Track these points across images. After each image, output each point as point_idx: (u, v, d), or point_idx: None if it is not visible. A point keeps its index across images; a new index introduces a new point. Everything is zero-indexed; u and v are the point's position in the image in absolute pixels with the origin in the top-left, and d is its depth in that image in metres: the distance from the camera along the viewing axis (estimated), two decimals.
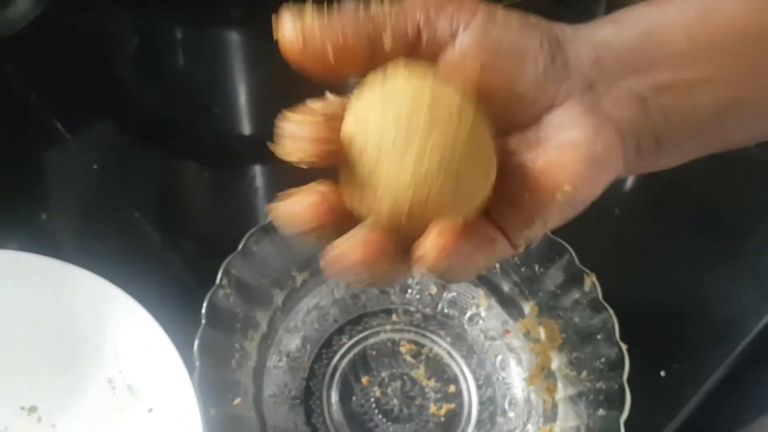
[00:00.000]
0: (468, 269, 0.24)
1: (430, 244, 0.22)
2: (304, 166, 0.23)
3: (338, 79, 0.24)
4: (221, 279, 0.41)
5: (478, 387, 0.45)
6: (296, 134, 0.23)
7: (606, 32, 0.26)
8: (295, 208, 0.23)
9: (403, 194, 0.23)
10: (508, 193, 0.25)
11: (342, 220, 0.23)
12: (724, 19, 0.26)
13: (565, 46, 0.25)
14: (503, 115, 0.25)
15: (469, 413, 0.44)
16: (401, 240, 0.23)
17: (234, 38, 0.68)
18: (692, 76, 0.25)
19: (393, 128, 0.23)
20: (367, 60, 0.24)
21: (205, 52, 0.65)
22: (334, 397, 0.45)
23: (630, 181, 0.58)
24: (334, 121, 0.23)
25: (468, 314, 0.48)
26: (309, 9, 0.24)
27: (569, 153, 0.24)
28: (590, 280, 0.43)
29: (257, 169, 0.58)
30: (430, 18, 0.24)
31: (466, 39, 0.24)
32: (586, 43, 0.25)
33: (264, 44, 0.69)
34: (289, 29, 0.23)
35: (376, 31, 0.23)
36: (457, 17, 0.24)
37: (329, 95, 0.24)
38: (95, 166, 0.55)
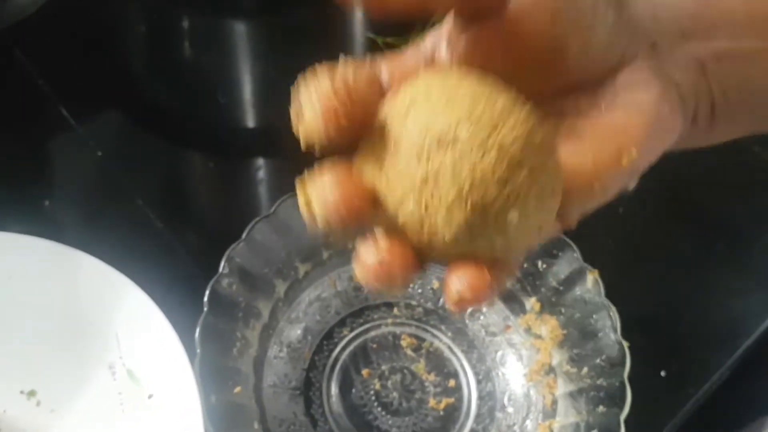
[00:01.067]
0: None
1: (466, 284, 0.20)
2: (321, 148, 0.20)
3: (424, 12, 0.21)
4: (224, 267, 0.41)
5: (478, 382, 0.45)
6: (312, 98, 0.19)
7: None
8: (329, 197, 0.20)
9: (451, 217, 0.19)
10: (568, 160, 0.22)
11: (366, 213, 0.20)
12: None
13: (627, 2, 0.24)
14: (571, 73, 0.23)
15: (468, 408, 0.44)
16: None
17: (242, 29, 0.68)
18: (750, 46, 0.25)
19: (463, 128, 0.19)
20: None
21: (213, 42, 0.65)
22: (334, 388, 0.45)
23: (633, 182, 0.58)
24: (367, 93, 0.20)
25: (469, 309, 0.48)
26: None
27: (636, 115, 0.23)
28: (593, 277, 0.42)
29: (262, 160, 0.58)
30: None
31: None
32: (645, 2, 0.25)
33: (272, 36, 0.70)
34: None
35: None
36: None
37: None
38: (100, 153, 0.55)
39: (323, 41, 0.64)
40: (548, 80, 0.23)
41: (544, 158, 0.20)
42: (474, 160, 0.19)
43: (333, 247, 0.47)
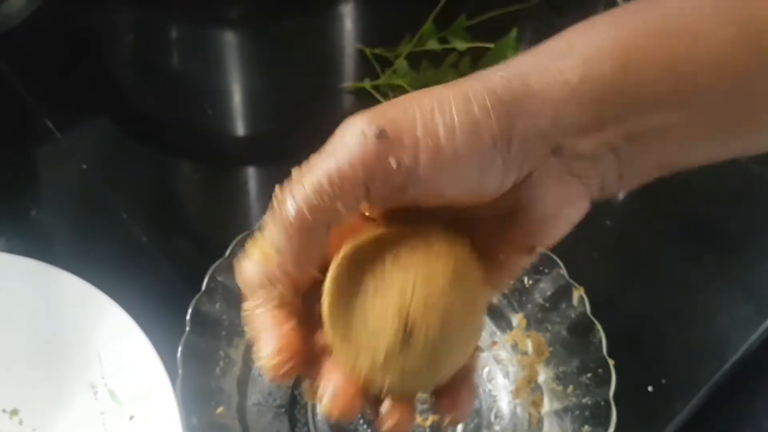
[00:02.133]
0: None
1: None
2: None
3: None
4: (207, 285, 0.41)
5: None
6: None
7: (570, 77, 0.23)
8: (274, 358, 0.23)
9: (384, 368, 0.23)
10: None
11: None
12: (705, 52, 0.24)
13: (516, 120, 0.23)
14: (477, 207, 0.25)
15: (455, 425, 0.44)
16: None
17: (230, 39, 0.68)
18: (667, 120, 0.24)
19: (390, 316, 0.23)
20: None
21: (200, 52, 0.65)
22: (320, 406, 0.44)
23: (621, 194, 0.58)
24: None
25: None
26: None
27: (539, 228, 0.25)
28: (579, 294, 0.42)
29: (249, 171, 0.58)
30: (375, 173, 0.22)
31: (421, 181, 0.22)
32: (545, 103, 0.23)
33: (260, 46, 0.70)
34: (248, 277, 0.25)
35: (330, 216, 0.22)
36: (402, 162, 0.22)
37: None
38: (85, 166, 0.54)
39: (311, 51, 0.64)
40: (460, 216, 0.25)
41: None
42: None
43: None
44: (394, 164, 0.22)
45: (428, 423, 0.43)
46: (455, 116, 0.22)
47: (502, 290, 0.27)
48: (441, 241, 0.24)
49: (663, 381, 0.47)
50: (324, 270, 0.24)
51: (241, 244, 0.43)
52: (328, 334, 0.24)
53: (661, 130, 0.24)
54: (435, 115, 0.22)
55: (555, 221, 0.25)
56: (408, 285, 0.23)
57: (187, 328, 0.39)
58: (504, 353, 0.46)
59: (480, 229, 0.26)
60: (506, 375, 0.45)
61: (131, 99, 0.61)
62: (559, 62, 0.23)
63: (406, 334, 0.23)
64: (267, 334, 0.24)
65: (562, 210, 0.25)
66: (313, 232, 0.22)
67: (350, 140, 0.22)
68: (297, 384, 0.45)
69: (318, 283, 0.24)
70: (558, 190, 0.24)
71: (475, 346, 0.26)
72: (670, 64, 0.23)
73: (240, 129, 0.61)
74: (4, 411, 0.41)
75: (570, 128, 0.23)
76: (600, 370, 0.40)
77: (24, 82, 0.59)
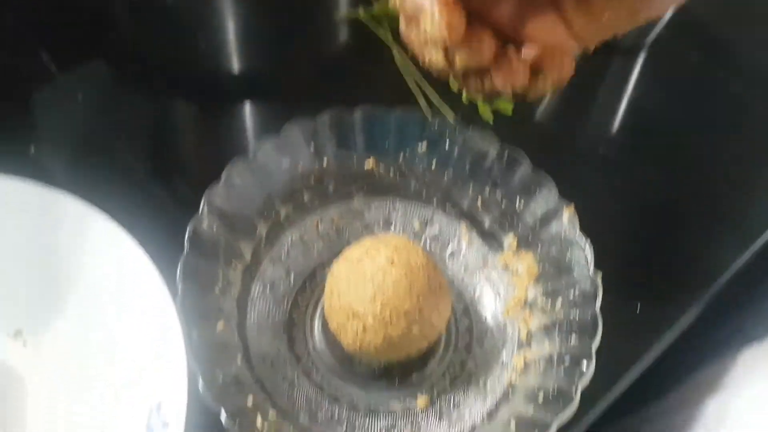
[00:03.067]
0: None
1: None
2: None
3: None
4: (203, 207, 0.42)
5: (456, 318, 0.46)
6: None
7: None
8: None
9: None
10: None
11: None
12: None
13: None
14: None
15: (448, 341, 0.45)
16: None
17: None
18: None
19: None
20: None
21: None
22: (317, 326, 0.46)
23: (616, 120, 0.58)
24: None
25: (449, 250, 0.49)
26: None
27: None
28: (569, 212, 0.43)
29: (244, 104, 0.58)
30: None
31: None
32: None
33: None
34: None
35: None
36: None
37: None
38: (82, 102, 0.55)
39: None
40: None
41: None
42: None
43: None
44: None
45: (420, 404, 0.43)
46: None
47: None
48: None
49: (651, 299, 0.48)
50: None
51: (235, 169, 0.44)
52: None
53: None
54: None
55: None
56: None
57: (186, 248, 0.40)
58: (495, 274, 0.47)
59: None
60: (497, 295, 0.47)
61: (127, 34, 0.61)
62: None
63: None
64: None
65: None
66: None
67: None
68: (295, 306, 0.46)
69: None
70: None
71: None
72: None
73: (234, 63, 0.61)
74: (7, 333, 0.42)
75: None
76: (587, 286, 0.41)
77: (20, 17, 0.59)
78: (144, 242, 0.41)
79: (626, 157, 0.56)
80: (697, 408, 0.50)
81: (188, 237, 0.40)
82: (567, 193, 0.45)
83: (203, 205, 0.42)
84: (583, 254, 0.42)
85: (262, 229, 0.46)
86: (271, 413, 0.39)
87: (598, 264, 0.42)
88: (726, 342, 0.52)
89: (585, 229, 0.44)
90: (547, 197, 0.44)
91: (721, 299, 0.50)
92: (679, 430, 0.50)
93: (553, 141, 0.57)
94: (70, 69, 0.57)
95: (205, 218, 0.41)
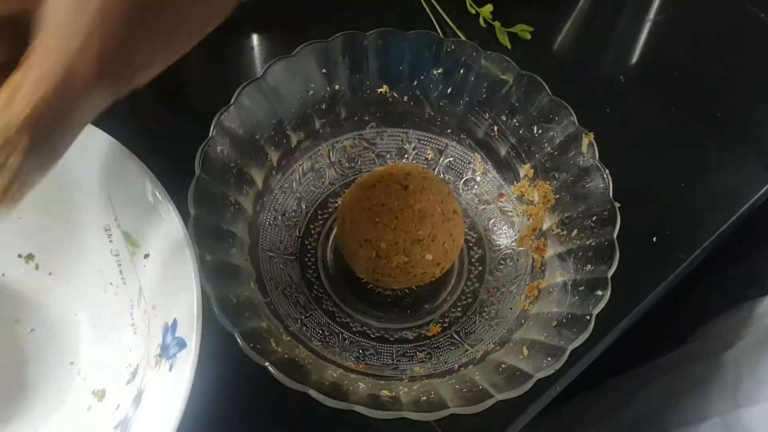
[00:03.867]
0: None
1: None
2: None
3: None
4: (214, 131, 0.41)
5: (469, 248, 0.46)
6: None
7: None
8: None
9: None
10: None
11: None
12: None
13: None
14: None
15: (460, 271, 0.45)
16: None
17: None
18: None
19: None
20: None
21: None
22: (329, 254, 0.45)
23: (636, 50, 0.57)
24: None
25: (464, 179, 0.48)
26: None
27: None
28: (588, 140, 0.42)
29: (252, 29, 0.57)
30: None
31: None
32: None
33: None
34: None
35: None
36: None
37: None
38: None
39: None
40: None
41: None
42: None
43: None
44: None
45: (431, 332, 0.43)
46: None
47: None
48: None
49: (668, 232, 0.47)
50: None
51: (246, 92, 0.42)
52: None
53: None
54: None
55: None
56: None
57: (197, 171, 0.39)
58: (509, 204, 0.46)
59: None
60: (511, 225, 0.46)
61: None
62: None
63: None
64: None
65: None
66: None
67: None
68: (307, 234, 0.46)
69: None
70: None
71: None
72: None
73: None
74: (20, 256, 0.42)
75: None
76: (605, 213, 0.40)
77: None
78: (154, 167, 0.40)
79: (646, 86, 0.55)
80: (714, 360, 0.50)
81: (199, 160, 0.40)
82: (586, 123, 0.44)
83: (214, 128, 0.41)
84: (601, 182, 0.41)
85: (274, 156, 0.45)
86: (285, 337, 0.39)
87: (615, 195, 0.42)
88: (741, 291, 0.52)
89: (602, 156, 0.43)
90: (565, 125, 0.43)
91: (736, 243, 0.50)
92: (695, 381, 0.50)
93: (572, 69, 0.55)
94: None
95: (216, 142, 0.41)
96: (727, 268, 0.56)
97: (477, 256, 0.46)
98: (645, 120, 0.53)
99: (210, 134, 0.41)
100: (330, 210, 0.47)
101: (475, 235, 0.46)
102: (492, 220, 0.47)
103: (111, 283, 0.40)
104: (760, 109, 0.54)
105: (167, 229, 0.38)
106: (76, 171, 0.40)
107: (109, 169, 0.40)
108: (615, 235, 0.39)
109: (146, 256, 0.39)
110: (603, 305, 0.37)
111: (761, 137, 0.53)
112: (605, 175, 0.41)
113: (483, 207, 0.47)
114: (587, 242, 0.40)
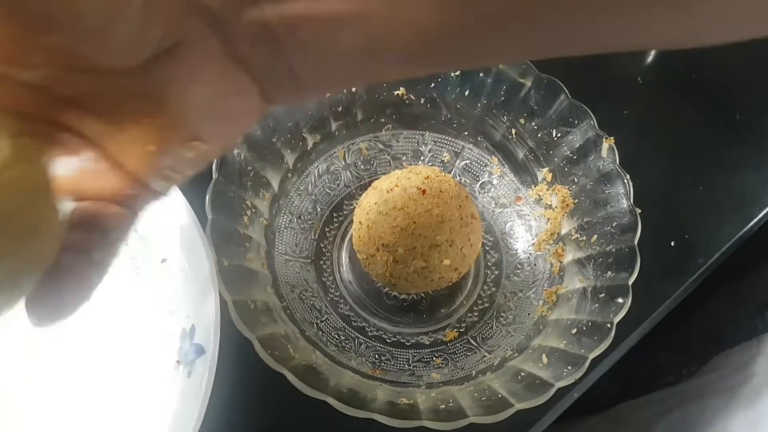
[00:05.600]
0: None
1: None
2: None
3: None
4: None
5: (486, 252, 0.46)
6: None
7: None
8: None
9: None
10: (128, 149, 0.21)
11: None
12: None
13: None
14: (102, 72, 0.20)
15: (476, 276, 0.45)
16: None
17: None
18: (331, 10, 0.20)
19: None
20: None
21: None
22: (345, 258, 0.45)
23: (653, 53, 0.56)
24: None
25: (480, 181, 0.48)
26: None
27: (194, 111, 0.21)
28: (608, 144, 0.42)
29: None
30: None
31: None
32: None
33: None
34: None
35: None
36: None
37: None
38: None
39: None
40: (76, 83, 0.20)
41: None
42: None
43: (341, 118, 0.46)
44: None
45: (448, 338, 0.43)
46: None
47: (162, 189, 0.23)
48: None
49: (686, 236, 0.47)
50: None
51: None
52: None
53: (324, 24, 0.20)
54: None
55: (217, 111, 0.22)
56: None
57: (215, 175, 0.39)
58: (527, 208, 0.46)
59: (117, 110, 0.21)
60: (528, 229, 0.46)
61: None
62: None
63: None
64: None
65: (226, 99, 0.22)
66: None
67: None
68: (323, 237, 0.46)
69: None
70: (216, 74, 0.21)
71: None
72: None
73: None
74: None
75: None
76: (626, 219, 0.40)
77: None
78: None
79: (663, 87, 0.54)
80: (735, 391, 0.49)
81: (216, 164, 0.39)
82: (604, 125, 0.43)
83: None
84: (622, 188, 0.41)
85: (290, 159, 0.45)
86: (301, 342, 0.39)
87: (634, 198, 0.41)
88: (761, 285, 0.51)
89: (622, 160, 0.42)
90: (585, 129, 0.43)
91: (753, 240, 0.49)
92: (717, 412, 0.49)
93: (590, 71, 0.54)
94: None
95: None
96: (743, 268, 0.56)
97: (494, 260, 0.46)
98: (663, 122, 0.52)
99: None
100: (345, 212, 0.47)
101: (491, 239, 0.46)
102: (509, 224, 0.46)
103: (128, 288, 0.40)
104: None
105: (184, 234, 0.37)
106: None
107: None
108: (636, 242, 0.39)
109: (163, 260, 0.39)
110: (624, 313, 0.37)
111: None
112: (626, 181, 0.41)
113: (500, 210, 0.47)
114: (607, 248, 0.40)
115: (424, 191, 0.40)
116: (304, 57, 0.21)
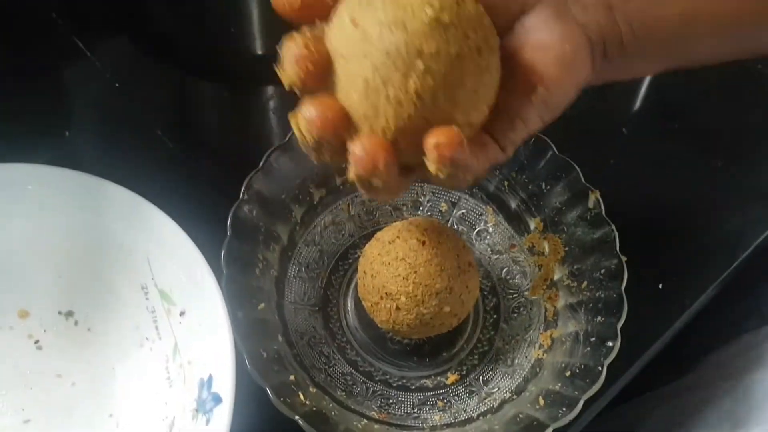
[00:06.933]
0: (466, 174, 0.26)
1: (441, 137, 0.24)
2: (297, 90, 0.26)
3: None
4: (244, 194, 0.43)
5: (484, 297, 0.48)
6: (287, 54, 0.25)
7: None
8: (307, 114, 0.25)
9: (401, 109, 0.25)
10: None
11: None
12: None
13: None
14: None
15: (476, 320, 0.47)
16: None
17: None
18: None
19: (388, 32, 0.24)
20: None
21: None
22: (350, 304, 0.48)
23: (638, 101, 0.59)
24: (320, 42, 0.26)
25: (476, 230, 0.50)
26: None
27: (540, 55, 0.26)
28: (594, 197, 0.45)
29: (273, 89, 0.59)
30: None
31: None
32: None
33: None
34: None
35: None
36: None
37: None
38: (117, 85, 0.56)
39: None
40: None
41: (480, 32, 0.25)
42: (415, 44, 0.24)
43: (334, 166, 0.49)
44: None
45: (450, 381, 0.45)
46: None
47: (505, 149, 0.28)
48: None
49: (673, 278, 0.50)
50: None
51: (273, 157, 0.45)
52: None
53: None
54: None
55: (554, 54, 0.26)
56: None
57: (229, 233, 0.42)
58: (521, 255, 0.49)
59: None
60: (523, 275, 0.48)
61: (159, 18, 0.62)
62: None
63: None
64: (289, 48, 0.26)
65: (562, 45, 0.26)
66: None
67: None
68: (329, 285, 0.48)
69: None
70: (557, 24, 0.26)
71: (489, 105, 0.26)
72: None
73: (263, 46, 0.62)
74: (60, 313, 0.45)
75: None
76: (613, 267, 0.43)
77: (53, 4, 0.60)
78: (186, 226, 0.42)
79: (649, 135, 0.57)
80: (712, 389, 0.52)
81: (230, 222, 0.42)
82: (591, 175, 0.46)
83: (243, 191, 0.43)
84: (608, 236, 0.43)
85: (298, 213, 0.48)
86: (311, 389, 0.41)
87: (622, 242, 0.44)
88: (742, 323, 0.54)
89: (609, 208, 0.45)
90: (572, 182, 0.46)
91: (739, 281, 0.52)
92: (693, 410, 0.52)
93: (577, 120, 0.57)
94: (102, 52, 0.58)
95: (245, 204, 0.43)
96: (730, 306, 0.58)
97: (492, 304, 0.48)
98: (648, 169, 0.55)
99: (240, 197, 0.43)
100: (350, 261, 0.50)
101: (489, 284, 0.49)
102: (505, 270, 0.49)
103: (147, 338, 0.43)
104: (760, 153, 0.57)
105: (202, 288, 0.40)
106: (116, 232, 0.43)
107: (147, 231, 0.42)
108: (623, 289, 0.41)
109: (182, 313, 0.41)
110: (614, 356, 0.39)
111: (761, 181, 0.55)
112: (612, 230, 0.43)
113: (496, 257, 0.49)
114: (597, 294, 0.43)
115: (423, 242, 0.43)
116: (630, 24, 0.26)
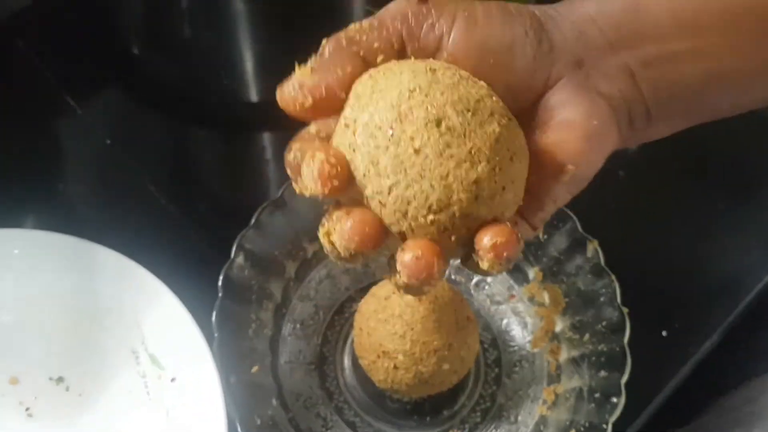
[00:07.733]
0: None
1: (497, 236, 0.23)
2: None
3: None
4: (235, 253, 0.43)
5: (484, 350, 0.47)
6: (306, 171, 0.23)
7: (588, 8, 0.27)
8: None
9: (442, 196, 0.23)
10: None
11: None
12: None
13: (548, 28, 0.26)
14: None
15: (477, 374, 0.46)
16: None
17: (240, 6, 0.68)
18: (677, 48, 0.27)
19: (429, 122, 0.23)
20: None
21: (213, 19, 0.65)
22: (347, 361, 0.47)
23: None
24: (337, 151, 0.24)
25: (474, 280, 0.49)
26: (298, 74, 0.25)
27: (566, 133, 0.26)
28: (593, 246, 0.44)
29: (267, 138, 0.59)
30: (412, 28, 0.25)
31: (452, 45, 0.25)
32: (569, 22, 0.26)
33: (272, 9, 0.70)
34: (286, 95, 0.25)
35: (364, 49, 0.25)
36: (438, 24, 0.25)
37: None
38: (108, 141, 0.56)
39: (324, 14, 0.64)
40: None
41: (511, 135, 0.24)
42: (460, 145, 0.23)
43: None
44: (431, 20, 0.25)
45: None
46: (493, 6, 0.26)
47: (536, 228, 0.27)
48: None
49: (676, 326, 0.48)
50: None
51: (265, 213, 0.44)
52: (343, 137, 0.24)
53: (670, 57, 0.26)
54: (477, 5, 0.26)
55: (582, 131, 0.25)
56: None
57: (220, 294, 0.41)
58: (521, 305, 0.48)
59: None
60: (524, 326, 0.47)
61: (149, 72, 0.62)
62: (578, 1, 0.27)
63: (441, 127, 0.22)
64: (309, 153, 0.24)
65: (589, 121, 0.26)
66: (345, 53, 0.25)
67: (393, 3, 0.25)
68: (325, 342, 0.47)
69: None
70: (581, 99, 0.26)
71: (523, 192, 0.25)
72: (671, 7, 0.27)
73: (256, 95, 0.62)
74: (50, 378, 0.43)
75: (591, 45, 0.26)
76: (614, 318, 0.42)
77: (41, 59, 0.60)
78: (176, 286, 0.42)
79: (646, 178, 0.57)
80: None
81: (222, 283, 0.41)
82: (589, 222, 0.45)
83: (235, 250, 0.43)
84: (608, 288, 0.42)
85: (291, 268, 0.47)
86: None
87: (624, 291, 0.43)
88: (751, 367, 0.52)
89: (608, 257, 0.44)
90: (569, 232, 0.45)
91: (744, 324, 0.50)
92: None
93: None
94: (93, 108, 0.58)
95: (237, 263, 0.42)
96: (735, 352, 0.57)
97: (493, 357, 0.47)
98: (647, 214, 0.54)
99: (231, 256, 0.42)
100: (346, 316, 0.48)
101: (489, 336, 0.48)
102: (505, 321, 0.48)
103: (138, 404, 0.42)
104: (761, 197, 0.56)
105: (193, 353, 0.39)
106: (106, 296, 0.43)
107: (138, 295, 0.42)
108: (626, 342, 0.40)
109: (173, 379, 0.40)
110: (618, 413, 0.38)
111: (764, 225, 0.54)
112: (612, 280, 0.43)
113: (495, 307, 0.48)
114: (599, 347, 0.42)
115: (420, 298, 0.42)
116: (653, 89, 0.27)
